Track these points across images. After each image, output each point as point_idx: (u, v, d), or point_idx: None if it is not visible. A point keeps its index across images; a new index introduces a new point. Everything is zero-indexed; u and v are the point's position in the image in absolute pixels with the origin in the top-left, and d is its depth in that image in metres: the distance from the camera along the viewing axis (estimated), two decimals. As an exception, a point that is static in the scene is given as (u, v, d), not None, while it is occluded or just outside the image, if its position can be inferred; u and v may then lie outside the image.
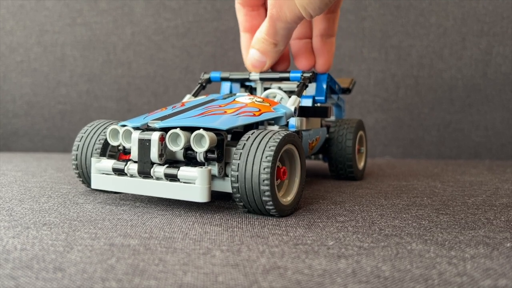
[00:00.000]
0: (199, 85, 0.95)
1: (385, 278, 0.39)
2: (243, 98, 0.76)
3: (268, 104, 0.74)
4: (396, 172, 1.16)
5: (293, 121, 0.80)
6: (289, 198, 0.65)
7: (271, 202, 0.59)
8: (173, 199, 0.72)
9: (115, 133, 0.67)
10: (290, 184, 0.67)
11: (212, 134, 0.61)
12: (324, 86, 0.90)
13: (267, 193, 0.58)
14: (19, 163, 1.22)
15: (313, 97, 0.89)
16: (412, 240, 0.51)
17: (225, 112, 0.68)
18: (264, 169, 0.58)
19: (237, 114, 0.67)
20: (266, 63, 0.82)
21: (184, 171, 0.60)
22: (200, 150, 0.60)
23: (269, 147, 0.59)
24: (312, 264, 0.42)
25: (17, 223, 0.56)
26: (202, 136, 0.60)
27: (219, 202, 0.72)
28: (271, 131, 0.63)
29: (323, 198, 0.77)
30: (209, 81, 0.94)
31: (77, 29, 1.71)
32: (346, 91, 1.08)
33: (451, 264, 0.43)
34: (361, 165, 1.04)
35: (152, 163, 0.62)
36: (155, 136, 0.61)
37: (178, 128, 0.61)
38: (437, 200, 0.77)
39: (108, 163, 0.66)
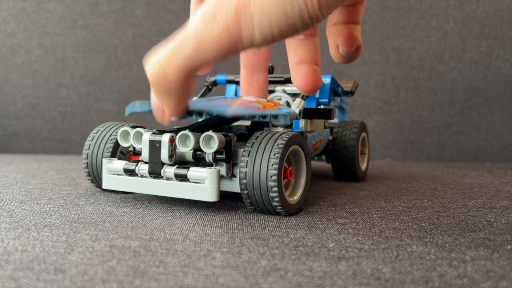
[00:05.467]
0: (205, 87, 0.96)
1: (386, 280, 0.39)
2: (249, 97, 0.77)
3: (273, 104, 0.75)
4: (396, 175, 1.16)
5: (298, 123, 0.81)
6: (296, 197, 0.66)
7: (278, 201, 0.60)
8: (175, 201, 0.72)
9: (126, 134, 0.68)
10: (296, 184, 0.68)
11: (220, 135, 0.62)
12: (328, 88, 0.90)
13: (274, 192, 0.60)
14: (19, 165, 1.22)
15: (317, 99, 0.89)
16: (412, 242, 0.51)
17: (231, 103, 0.69)
18: (271, 168, 0.59)
19: (243, 106, 0.68)
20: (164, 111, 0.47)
21: (194, 172, 0.61)
22: (209, 151, 0.62)
23: (277, 147, 0.61)
24: (312, 266, 0.42)
25: (18, 225, 0.56)
26: (211, 137, 0.61)
27: (219, 203, 0.72)
28: (278, 132, 0.64)
29: (324, 200, 0.77)
30: (215, 83, 0.95)
31: (78, 31, 1.72)
32: (349, 93, 1.09)
33: (451, 266, 0.43)
34: (363, 166, 1.04)
35: (162, 164, 0.63)
36: (165, 138, 0.63)
37: (187, 130, 0.62)
38: (438, 203, 0.77)
39: (119, 164, 0.67)
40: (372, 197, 0.81)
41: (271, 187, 0.59)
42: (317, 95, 0.91)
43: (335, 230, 0.56)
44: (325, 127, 0.97)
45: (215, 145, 0.61)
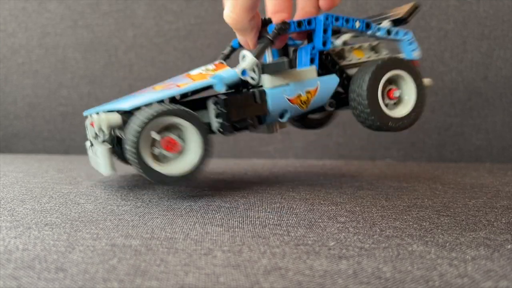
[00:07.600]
0: (222, 54, 1.00)
1: (386, 279, 0.39)
2: (198, 69, 0.85)
3: (211, 73, 0.79)
4: (397, 174, 1.16)
5: (253, 80, 0.78)
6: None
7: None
8: (175, 199, 0.73)
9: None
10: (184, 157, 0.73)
11: (111, 117, 0.70)
12: (321, 30, 0.80)
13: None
14: (20, 165, 1.22)
15: (313, 46, 0.81)
16: (413, 241, 0.51)
17: (154, 89, 0.79)
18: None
19: (162, 89, 0.77)
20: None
21: (98, 150, 0.73)
22: (102, 136, 0.73)
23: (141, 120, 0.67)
24: (313, 265, 0.42)
25: (18, 224, 0.56)
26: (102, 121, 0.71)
27: (219, 202, 0.72)
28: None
29: (324, 199, 0.77)
30: (233, 50, 0.99)
31: (78, 31, 1.72)
32: (400, 22, 0.88)
33: (452, 266, 0.43)
34: (399, 112, 0.87)
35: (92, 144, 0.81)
36: (87, 122, 0.82)
37: (93, 114, 0.77)
38: (438, 202, 0.77)
39: (88, 144, 0.87)
40: (372, 196, 0.81)
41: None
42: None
43: (336, 229, 0.56)
44: (333, 73, 0.85)
45: (106, 130, 0.70)
